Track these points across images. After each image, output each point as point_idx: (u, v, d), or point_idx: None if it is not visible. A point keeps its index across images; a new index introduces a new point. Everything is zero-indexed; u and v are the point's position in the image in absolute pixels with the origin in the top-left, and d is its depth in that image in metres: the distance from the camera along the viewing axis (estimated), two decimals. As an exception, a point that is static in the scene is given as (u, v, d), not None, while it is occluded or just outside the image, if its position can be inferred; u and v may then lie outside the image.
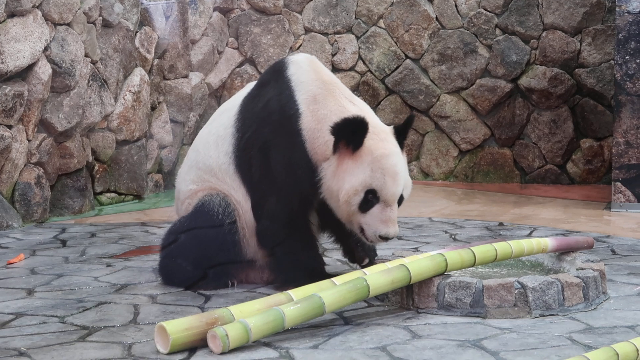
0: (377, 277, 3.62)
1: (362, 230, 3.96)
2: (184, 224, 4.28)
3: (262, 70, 8.69)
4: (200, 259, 4.23)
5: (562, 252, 4.26)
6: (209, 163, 4.26)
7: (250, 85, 4.39)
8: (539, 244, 4.12)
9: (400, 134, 4.01)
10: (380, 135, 3.93)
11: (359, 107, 4.05)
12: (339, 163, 3.88)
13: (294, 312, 3.39)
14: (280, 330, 3.38)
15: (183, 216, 4.34)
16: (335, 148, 3.90)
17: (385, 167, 3.87)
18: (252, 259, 4.27)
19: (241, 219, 4.20)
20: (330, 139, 3.91)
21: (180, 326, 3.28)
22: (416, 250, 4.43)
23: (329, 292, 3.50)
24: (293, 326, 3.44)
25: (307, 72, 4.09)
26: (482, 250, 3.91)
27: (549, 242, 4.16)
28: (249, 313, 3.40)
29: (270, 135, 4.08)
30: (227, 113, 4.31)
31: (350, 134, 3.84)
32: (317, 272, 4.06)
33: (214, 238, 4.17)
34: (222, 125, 4.28)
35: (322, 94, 4.01)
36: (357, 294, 3.54)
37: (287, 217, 4.08)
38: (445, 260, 3.77)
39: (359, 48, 8.69)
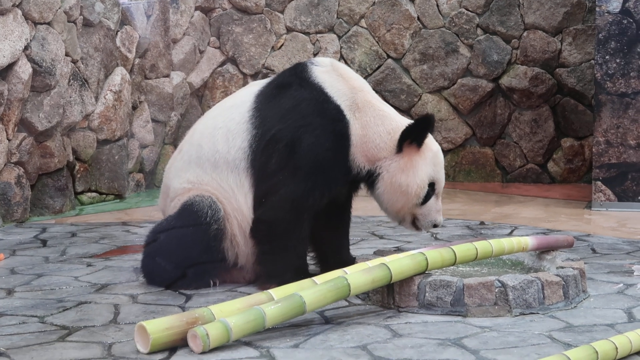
0: (358, 276, 3.63)
1: (415, 220, 4.22)
2: (170, 223, 4.25)
3: (244, 70, 8.69)
4: (182, 259, 4.21)
5: (543, 250, 4.28)
6: (214, 159, 4.20)
7: (258, 84, 4.36)
8: (519, 243, 4.13)
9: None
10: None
11: (391, 109, 4.26)
12: (407, 160, 4.11)
13: (275, 311, 3.38)
14: (261, 329, 3.38)
15: (170, 215, 4.30)
16: (400, 147, 4.10)
17: (441, 161, 4.24)
18: (237, 263, 4.26)
19: (232, 225, 4.17)
20: (381, 142, 4.11)
21: (161, 326, 3.27)
22: (398, 249, 4.43)
23: (309, 291, 3.50)
24: (274, 325, 3.43)
25: (337, 79, 4.21)
26: (463, 249, 3.92)
27: (529, 241, 4.18)
28: (230, 312, 3.40)
29: (305, 135, 4.09)
30: (237, 109, 4.26)
31: (418, 132, 4.09)
32: (302, 271, 4.09)
33: (198, 240, 4.15)
34: (232, 120, 4.23)
35: (362, 101, 4.18)
36: (338, 293, 3.55)
37: (298, 210, 4.09)
38: (426, 259, 3.78)
39: (341, 48, 8.69)
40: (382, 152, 4.12)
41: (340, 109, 4.14)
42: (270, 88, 4.28)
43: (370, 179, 4.17)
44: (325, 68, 4.24)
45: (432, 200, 4.20)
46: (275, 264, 4.11)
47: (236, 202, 4.16)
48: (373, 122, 4.14)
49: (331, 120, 4.13)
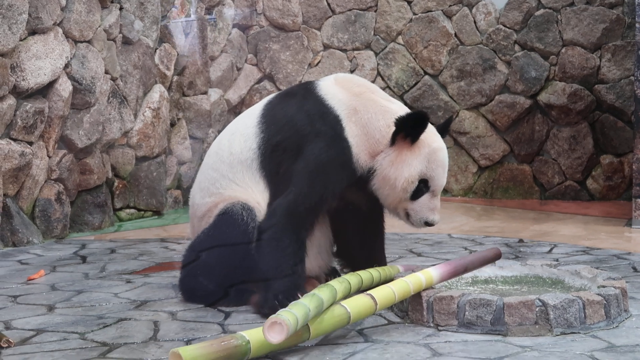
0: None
1: (407, 215, 4.21)
2: (211, 237, 4.26)
3: (281, 87, 8.72)
4: (226, 273, 4.21)
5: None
6: (229, 160, 4.28)
7: (270, 96, 4.49)
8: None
9: (442, 132, 4.31)
10: (431, 129, 4.20)
11: (398, 105, 4.29)
12: (397, 154, 4.12)
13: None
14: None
15: (206, 230, 4.31)
16: (394, 140, 4.13)
17: (439, 160, 4.17)
18: None
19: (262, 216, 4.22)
20: (381, 136, 4.15)
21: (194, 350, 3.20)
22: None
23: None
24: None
25: (339, 90, 4.27)
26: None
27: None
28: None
29: (307, 143, 4.16)
30: (249, 117, 4.38)
31: (411, 127, 4.08)
32: (297, 285, 4.02)
33: (244, 245, 4.17)
34: (245, 125, 4.35)
35: (361, 104, 4.22)
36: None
37: (293, 215, 4.08)
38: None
39: (378, 64, 8.70)
40: (381, 146, 4.16)
41: (336, 116, 4.18)
42: (278, 98, 4.42)
43: (368, 175, 4.19)
44: (328, 82, 4.33)
45: (425, 197, 4.16)
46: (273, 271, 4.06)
47: (255, 195, 4.23)
48: (374, 118, 4.17)
49: (328, 128, 4.17)
